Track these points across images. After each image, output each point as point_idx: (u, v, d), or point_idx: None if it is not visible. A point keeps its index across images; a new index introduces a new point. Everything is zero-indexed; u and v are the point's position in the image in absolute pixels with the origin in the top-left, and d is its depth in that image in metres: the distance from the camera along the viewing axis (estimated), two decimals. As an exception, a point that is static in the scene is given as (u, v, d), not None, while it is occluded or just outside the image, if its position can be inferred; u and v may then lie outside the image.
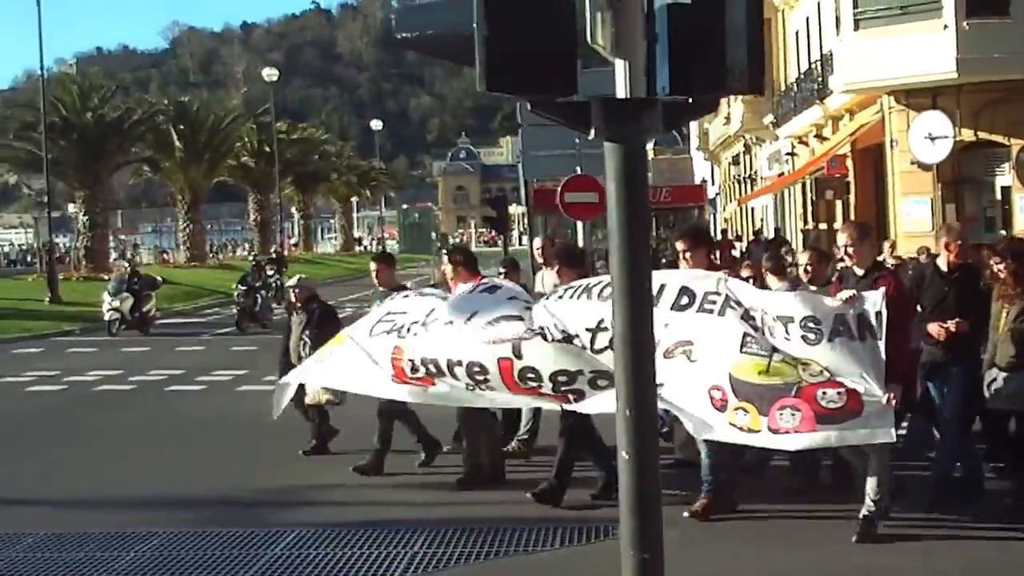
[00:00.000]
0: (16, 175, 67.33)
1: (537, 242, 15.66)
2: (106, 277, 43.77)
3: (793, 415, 9.49)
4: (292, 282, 15.89)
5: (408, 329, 11.29)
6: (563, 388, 10.53)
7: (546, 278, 13.96)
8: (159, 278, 38.85)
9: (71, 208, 76.51)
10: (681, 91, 5.01)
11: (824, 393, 9.41)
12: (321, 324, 14.33)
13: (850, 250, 10.33)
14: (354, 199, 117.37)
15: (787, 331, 9.64)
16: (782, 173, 46.23)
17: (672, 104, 5.21)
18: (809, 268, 11.32)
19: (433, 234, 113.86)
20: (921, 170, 29.25)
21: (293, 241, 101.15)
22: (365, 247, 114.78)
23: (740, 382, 9.67)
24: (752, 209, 58.44)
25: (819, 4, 38.81)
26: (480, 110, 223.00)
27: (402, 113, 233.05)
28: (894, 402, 9.35)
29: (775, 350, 9.61)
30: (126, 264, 43.46)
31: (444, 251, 16.02)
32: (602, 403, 10.20)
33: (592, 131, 5.13)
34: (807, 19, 41.75)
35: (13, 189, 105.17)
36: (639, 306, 5.46)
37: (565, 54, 5.01)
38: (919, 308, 10.98)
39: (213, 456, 14.73)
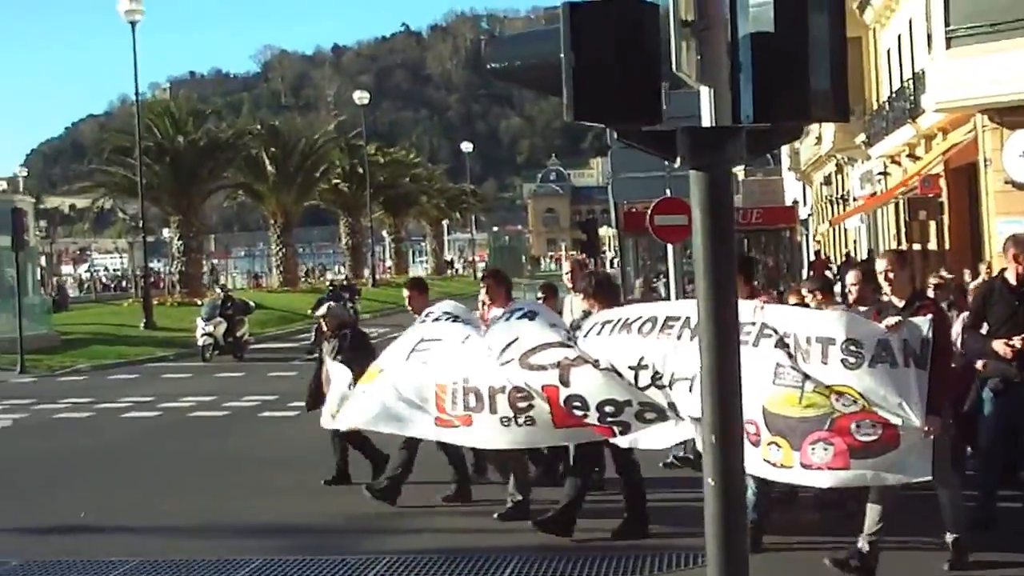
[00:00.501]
0: (112, 200, 68.10)
1: (566, 267, 15.51)
2: (200, 302, 44.25)
3: (826, 449, 9.22)
4: (322, 311, 15.84)
5: (444, 355, 11.28)
6: (609, 419, 10.34)
7: (575, 304, 13.75)
8: (252, 303, 39.24)
9: (165, 233, 77.45)
10: (765, 119, 4.99)
11: (858, 425, 9.12)
12: (353, 349, 14.35)
13: (891, 275, 9.91)
14: (445, 222, 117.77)
15: (826, 354, 9.34)
16: (874, 193, 45.81)
17: (756, 132, 5.20)
18: (854, 289, 10.95)
19: (523, 257, 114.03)
20: (1016, 189, 28.85)
21: (388, 264, 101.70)
22: (457, 270, 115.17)
23: (773, 415, 9.44)
24: (845, 230, 57.96)
25: (911, 22, 38.43)
26: (570, 131, 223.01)
27: (492, 134, 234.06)
28: (933, 435, 9.07)
29: (807, 378, 9.33)
30: (219, 289, 43.93)
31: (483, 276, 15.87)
32: (648, 438, 10.30)
33: (677, 159, 5.15)
34: (898, 37, 41.37)
35: (108, 214, 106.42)
36: (724, 333, 5.48)
37: (650, 83, 5.04)
38: (986, 325, 10.77)
39: (306, 482, 14.78)
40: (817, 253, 55.34)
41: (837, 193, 57.88)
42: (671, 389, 9.92)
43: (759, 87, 4.86)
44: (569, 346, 10.51)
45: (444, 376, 11.19)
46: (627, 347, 10.19)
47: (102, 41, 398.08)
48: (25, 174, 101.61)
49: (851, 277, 11.28)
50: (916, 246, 38.06)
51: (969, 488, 10.80)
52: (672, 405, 10.00)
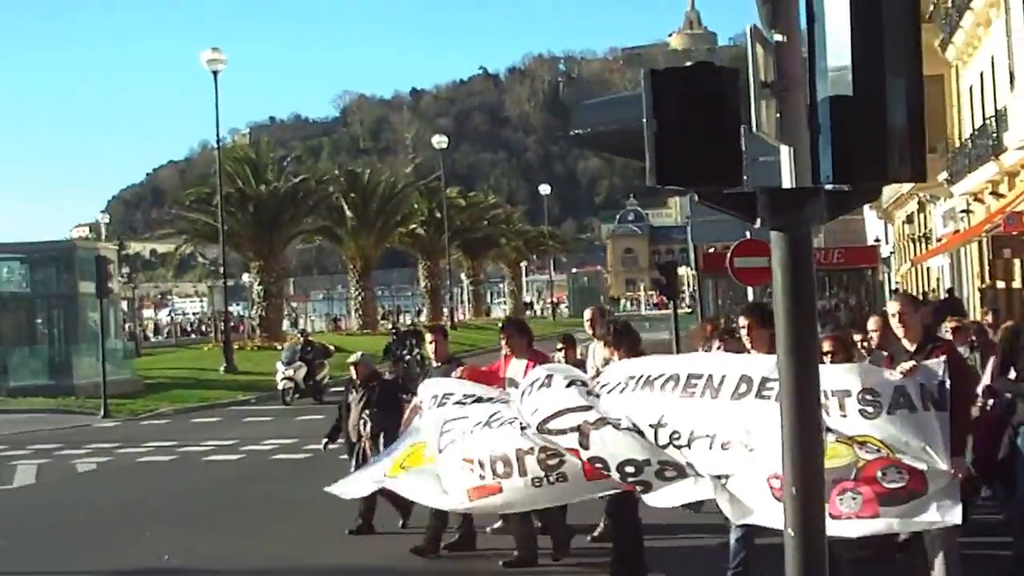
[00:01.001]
0: (192, 245, 69.02)
1: (587, 314, 15.22)
2: (279, 347, 44.68)
3: (854, 499, 9.07)
4: (354, 358, 15.84)
5: (471, 432, 11.29)
6: (630, 479, 10.23)
7: (596, 351, 13.77)
8: (331, 346, 39.52)
9: (245, 277, 78.33)
10: (844, 180, 5.00)
11: (884, 472, 8.99)
12: (382, 403, 14.60)
13: (904, 318, 9.82)
14: (523, 263, 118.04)
15: (843, 407, 9.19)
16: (957, 231, 45.36)
17: (835, 193, 5.25)
18: (875, 335, 10.82)
19: (602, 297, 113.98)
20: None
21: (483, 306, 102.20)
22: (536, 311, 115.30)
23: None
24: (928, 269, 57.39)
25: (993, 60, 38.14)
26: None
27: (570, 176, 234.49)
28: (960, 477, 8.97)
29: (828, 430, 8.91)
30: (299, 334, 44.31)
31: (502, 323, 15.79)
32: (670, 495, 10.11)
33: (758, 220, 5.19)
34: (980, 75, 41.05)
35: (188, 258, 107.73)
36: (805, 390, 5.53)
37: (731, 147, 5.10)
38: (1014, 370, 10.65)
39: (387, 525, 14.86)
40: (896, 292, 54.96)
41: (919, 231, 57.37)
42: (689, 448, 9.79)
43: (838, 149, 4.86)
44: (587, 408, 10.42)
45: (470, 450, 11.22)
46: (648, 405, 10.11)
47: (182, 88, 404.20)
48: (107, 220, 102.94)
49: (872, 323, 11.22)
50: (1000, 284, 37.68)
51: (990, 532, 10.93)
52: (690, 464, 9.87)
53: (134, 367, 42.25)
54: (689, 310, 48.77)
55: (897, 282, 62.86)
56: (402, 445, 12.75)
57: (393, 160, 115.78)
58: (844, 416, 9.15)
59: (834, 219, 5.37)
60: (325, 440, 16.02)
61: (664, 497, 10.16)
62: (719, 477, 9.66)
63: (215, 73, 47.15)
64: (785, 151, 5.20)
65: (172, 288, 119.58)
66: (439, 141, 77.81)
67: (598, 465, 10.27)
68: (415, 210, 77.11)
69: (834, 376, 9.43)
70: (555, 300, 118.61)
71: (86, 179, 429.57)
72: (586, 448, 10.25)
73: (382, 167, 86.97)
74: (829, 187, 5.12)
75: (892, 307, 10.23)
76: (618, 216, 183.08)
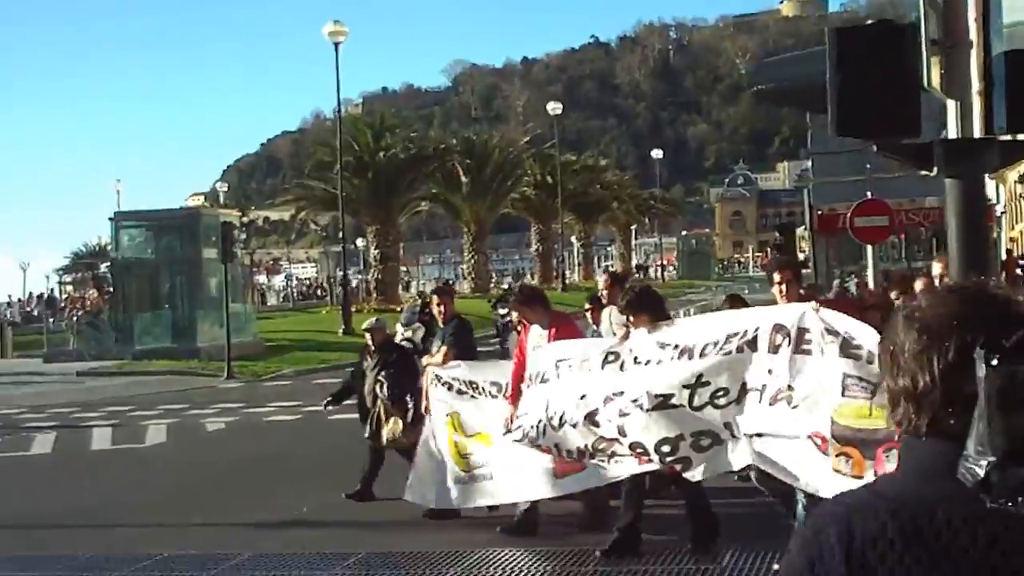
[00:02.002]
0: (309, 212, 69.90)
1: (601, 281, 14.96)
2: (397, 308, 45.07)
3: None
4: (368, 324, 15.70)
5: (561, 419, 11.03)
6: (669, 459, 10.08)
7: (613, 316, 13.28)
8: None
9: (359, 242, 79.05)
10: (1017, 129, 5.09)
11: None
12: (399, 366, 14.45)
13: (946, 280, 9.32)
14: (633, 227, 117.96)
15: None
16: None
17: (1008, 142, 5.32)
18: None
19: (711, 260, 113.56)
20: None
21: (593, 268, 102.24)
22: (646, 273, 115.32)
23: (842, 427, 8.93)
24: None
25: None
26: (756, 136, 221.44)
27: (679, 141, 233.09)
28: None
29: (876, 389, 8.47)
30: (417, 296, 44.65)
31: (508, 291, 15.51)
32: (712, 465, 9.96)
33: (935, 169, 5.30)
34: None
35: (300, 225, 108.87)
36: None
37: (909, 100, 5.19)
38: None
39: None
40: (1009, 252, 54.09)
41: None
42: (738, 405, 9.58)
43: (1012, 101, 4.95)
44: (620, 393, 10.30)
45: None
46: (685, 368, 9.96)
47: (297, 59, 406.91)
48: (225, 189, 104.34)
49: (919, 284, 10.88)
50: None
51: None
52: (728, 425, 9.69)
53: (255, 330, 42.95)
54: (805, 270, 48.51)
55: (1011, 240, 61.99)
56: (441, 425, 12.92)
57: (504, 128, 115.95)
58: None
59: (1007, 167, 5.46)
60: (327, 400, 16.13)
61: (708, 468, 10.01)
62: (750, 436, 9.51)
63: (336, 45, 47.74)
64: (952, 105, 5.29)
65: (286, 254, 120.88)
66: (553, 108, 77.87)
67: (639, 450, 10.17)
68: (528, 175, 77.36)
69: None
70: (665, 262, 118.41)
71: (202, 150, 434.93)
72: (625, 436, 10.18)
73: (494, 134, 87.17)
74: (1003, 137, 5.21)
75: (935, 268, 9.92)
76: (726, 180, 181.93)
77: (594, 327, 14.36)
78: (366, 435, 14.58)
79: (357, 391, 15.28)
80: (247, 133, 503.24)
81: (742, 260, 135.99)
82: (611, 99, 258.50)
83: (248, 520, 13.86)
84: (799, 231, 51.63)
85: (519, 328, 13.23)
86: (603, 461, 10.76)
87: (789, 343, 9.33)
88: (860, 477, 8.81)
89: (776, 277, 10.81)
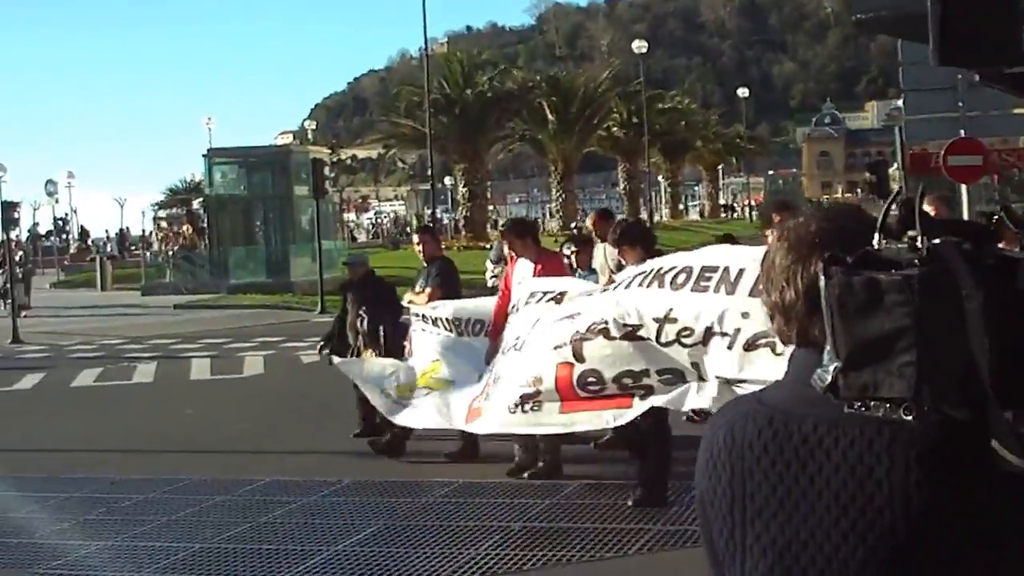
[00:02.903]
0: (397, 150, 70.29)
1: (589, 219, 14.57)
2: (486, 246, 45.28)
3: None
4: (348, 259, 15.61)
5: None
6: (631, 387, 9.52)
7: (607, 253, 13.06)
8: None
9: (447, 181, 79.31)
10: None
11: None
12: (379, 300, 14.29)
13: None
14: (720, 166, 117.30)
15: None
16: None
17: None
18: None
19: (799, 200, 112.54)
20: None
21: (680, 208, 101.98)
22: (734, 213, 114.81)
23: None
24: None
25: None
26: (844, 75, 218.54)
27: (765, 79, 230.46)
28: None
29: None
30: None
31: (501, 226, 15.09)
32: (675, 400, 9.41)
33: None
34: None
35: (388, 163, 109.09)
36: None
37: (1012, 28, 5.25)
38: None
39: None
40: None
41: None
42: (704, 347, 9.01)
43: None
44: (576, 314, 9.93)
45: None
46: (656, 298, 9.41)
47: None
48: (314, 127, 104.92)
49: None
50: None
51: None
52: (696, 365, 9.14)
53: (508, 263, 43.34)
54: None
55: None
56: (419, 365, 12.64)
57: (589, 67, 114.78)
58: None
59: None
60: (320, 344, 16.06)
61: (667, 399, 9.46)
62: (731, 381, 8.85)
63: (424, -18, 47.96)
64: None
65: (374, 192, 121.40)
66: (639, 45, 77.42)
67: (591, 379, 9.61)
68: (614, 113, 77.17)
69: None
70: (752, 202, 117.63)
71: (290, 88, 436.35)
72: (581, 361, 9.65)
73: (579, 73, 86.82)
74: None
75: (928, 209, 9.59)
76: (814, 119, 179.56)
77: (580, 271, 13.68)
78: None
79: (343, 331, 15.09)
80: (334, 72, 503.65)
81: (831, 199, 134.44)
82: (696, 37, 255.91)
83: (347, 448, 14.12)
84: (890, 170, 51.12)
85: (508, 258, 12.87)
86: (511, 407, 10.27)
87: None
88: None
89: (776, 218, 10.37)
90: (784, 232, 2.36)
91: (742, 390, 8.48)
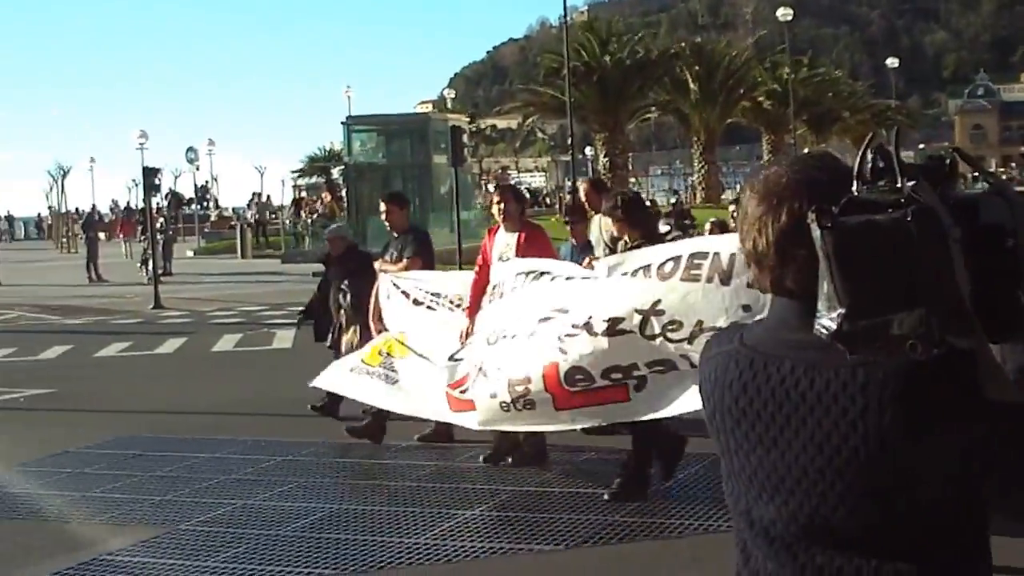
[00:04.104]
0: (537, 120, 70.25)
1: (581, 187, 13.75)
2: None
3: None
4: (329, 231, 15.15)
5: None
6: (622, 380, 9.03)
7: (603, 226, 12.42)
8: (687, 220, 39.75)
9: (587, 151, 79.01)
10: None
11: None
12: (360, 274, 13.56)
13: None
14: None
15: None
16: None
17: None
18: None
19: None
20: None
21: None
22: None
23: None
24: None
25: None
26: (999, 44, 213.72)
27: (916, 49, 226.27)
28: None
29: None
30: (648, 203, 44.58)
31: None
32: (665, 398, 8.85)
33: None
34: None
35: (527, 133, 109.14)
36: None
37: None
38: None
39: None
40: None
41: None
42: (690, 344, 8.56)
43: None
44: (564, 311, 9.44)
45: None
46: (640, 288, 8.98)
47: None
48: (453, 96, 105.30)
49: None
50: None
51: None
52: (685, 357, 8.65)
53: (484, 235, 43.41)
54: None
55: None
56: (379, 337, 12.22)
57: (732, 36, 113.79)
58: None
59: None
60: (299, 316, 15.86)
61: (660, 400, 8.91)
62: None
63: (564, -50, 47.52)
64: None
65: (514, 162, 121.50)
66: (784, 14, 76.24)
67: (579, 376, 9.18)
68: (759, 83, 76.20)
69: None
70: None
71: (429, 58, 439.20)
72: (565, 354, 9.22)
73: (721, 42, 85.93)
74: None
75: None
76: (966, 91, 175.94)
77: (573, 242, 13.11)
78: (327, 345, 14.28)
79: (324, 305, 14.74)
80: (473, 40, 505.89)
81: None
82: (843, 5, 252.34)
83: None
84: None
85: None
86: (503, 405, 9.75)
87: None
88: None
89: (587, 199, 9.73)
90: (755, 183, 2.47)
91: None
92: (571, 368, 9.20)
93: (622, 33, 64.48)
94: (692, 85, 66.60)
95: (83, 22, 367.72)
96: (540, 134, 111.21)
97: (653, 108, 69.89)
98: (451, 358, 10.96)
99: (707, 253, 8.76)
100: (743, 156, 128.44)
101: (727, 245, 8.67)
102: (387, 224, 13.30)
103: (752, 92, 74.98)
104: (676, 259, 8.89)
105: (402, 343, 11.75)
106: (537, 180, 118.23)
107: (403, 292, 12.32)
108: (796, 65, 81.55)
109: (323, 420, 14.14)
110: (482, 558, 9.05)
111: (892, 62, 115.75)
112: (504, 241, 11.49)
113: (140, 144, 44.33)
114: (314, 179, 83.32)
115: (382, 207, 13.45)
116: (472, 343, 10.73)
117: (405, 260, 12.73)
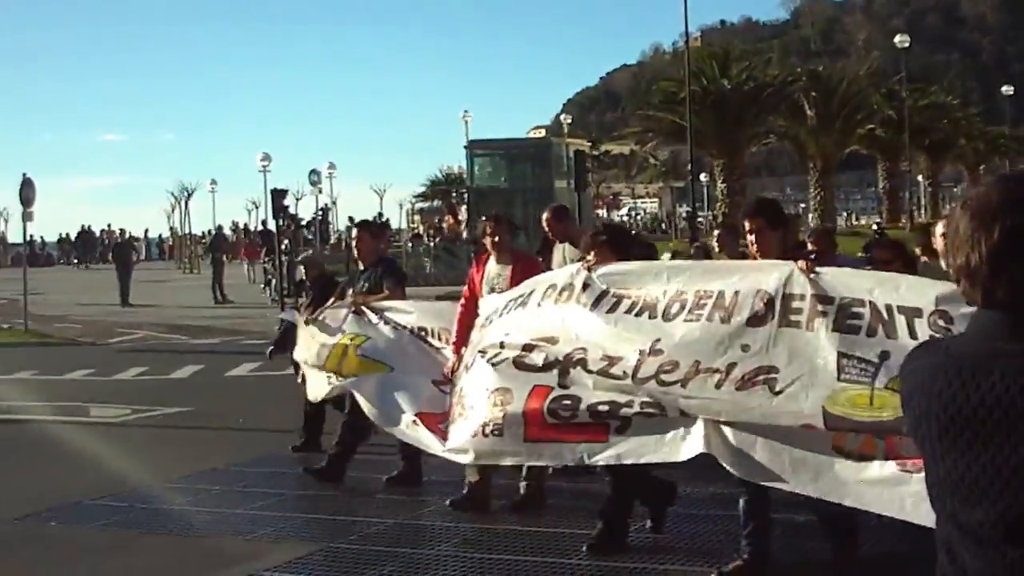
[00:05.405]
0: (654, 145, 70.25)
1: (544, 216, 12.99)
2: (745, 243, 44.90)
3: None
4: (303, 257, 15.00)
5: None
6: (604, 417, 8.47)
7: (567, 253, 11.87)
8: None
9: (702, 177, 78.71)
10: None
11: None
12: (324, 297, 13.18)
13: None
14: (981, 167, 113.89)
15: (913, 330, 7.27)
16: None
17: None
18: (942, 240, 8.44)
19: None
20: None
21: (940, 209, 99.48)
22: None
23: (836, 419, 7.38)
24: None
25: None
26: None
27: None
28: None
29: (877, 371, 7.26)
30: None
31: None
32: (652, 444, 8.31)
33: None
34: None
35: (641, 160, 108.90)
36: None
37: None
38: None
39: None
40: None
41: None
42: (683, 388, 8.05)
43: None
44: (557, 339, 8.98)
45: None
46: (643, 328, 8.50)
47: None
48: (569, 121, 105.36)
49: (941, 226, 8.86)
50: None
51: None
52: (675, 406, 8.15)
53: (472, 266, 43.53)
54: None
55: None
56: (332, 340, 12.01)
57: (844, 62, 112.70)
58: (915, 342, 6.59)
59: None
60: (270, 349, 15.41)
61: (637, 446, 8.37)
62: (727, 424, 7.87)
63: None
64: None
65: (626, 188, 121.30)
66: (900, 40, 75.87)
67: (566, 402, 8.67)
68: (875, 110, 75.53)
69: (904, 288, 7.65)
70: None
71: (542, 83, 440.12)
72: (565, 388, 8.73)
73: (834, 69, 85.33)
74: None
75: (943, 226, 8.12)
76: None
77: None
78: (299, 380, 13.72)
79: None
80: (586, 66, 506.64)
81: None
82: (955, 32, 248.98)
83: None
84: None
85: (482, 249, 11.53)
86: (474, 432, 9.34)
87: (773, 315, 7.91)
88: (871, 457, 7.35)
89: (748, 225, 8.88)
90: (966, 201, 2.62)
91: (734, 432, 7.85)
92: (561, 395, 8.74)
93: (739, 59, 64.24)
94: (809, 111, 66.16)
95: (198, 46, 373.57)
96: (652, 160, 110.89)
97: (771, 134, 69.51)
98: (435, 383, 10.81)
99: (712, 293, 8.30)
100: (853, 183, 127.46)
101: (730, 283, 8.27)
102: (356, 252, 12.76)
103: (869, 119, 74.25)
104: (681, 304, 8.43)
105: (356, 358, 11.65)
106: (649, 206, 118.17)
107: (383, 319, 11.92)
108: (915, 92, 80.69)
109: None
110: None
111: (1007, 89, 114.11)
112: (495, 272, 11.01)
113: (263, 167, 44.99)
114: (435, 203, 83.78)
115: (353, 234, 12.96)
116: (460, 376, 10.14)
117: (386, 291, 12.28)
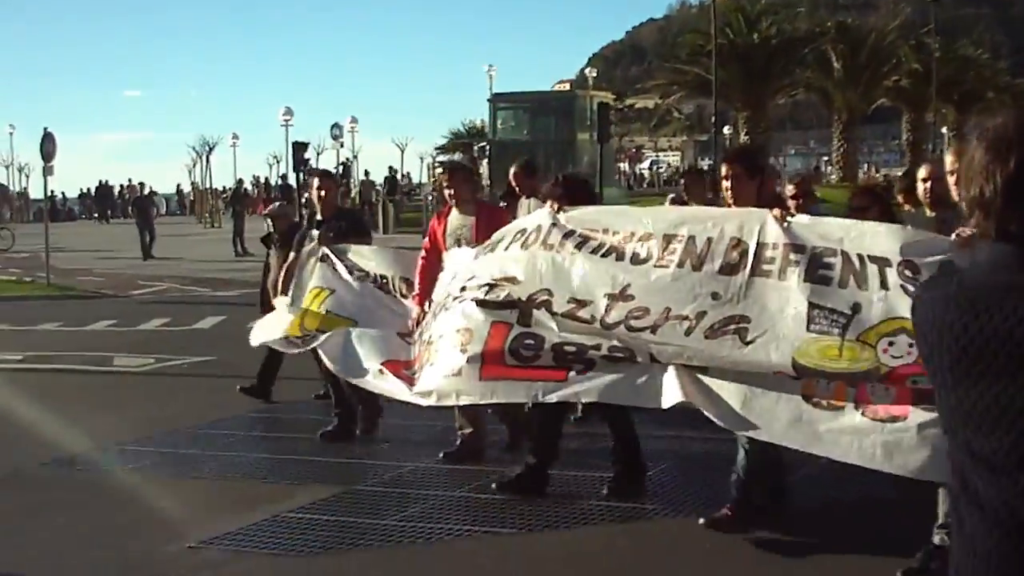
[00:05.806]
0: (677, 99, 69.95)
1: (512, 169, 12.82)
2: (770, 195, 44.76)
3: (887, 391, 7.10)
4: (271, 209, 14.72)
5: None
6: (569, 358, 8.44)
7: (532, 206, 11.42)
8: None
9: (725, 130, 78.45)
10: None
11: (915, 381, 6.84)
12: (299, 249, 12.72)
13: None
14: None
15: (885, 280, 7.29)
16: None
17: None
18: (926, 186, 8.29)
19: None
20: None
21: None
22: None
23: (804, 369, 7.42)
24: None
25: None
26: None
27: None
28: None
29: (848, 323, 7.28)
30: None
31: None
32: (621, 388, 8.26)
33: None
34: None
35: (664, 113, 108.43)
36: None
37: None
38: None
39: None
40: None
41: None
42: (653, 334, 8.01)
43: None
44: (517, 279, 8.95)
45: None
46: (611, 271, 8.45)
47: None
48: (594, 75, 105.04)
49: (923, 171, 8.55)
50: None
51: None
52: (647, 351, 8.14)
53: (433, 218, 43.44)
54: None
55: None
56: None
57: (873, 15, 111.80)
58: (886, 292, 7.29)
59: None
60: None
61: (605, 389, 8.34)
62: (693, 369, 7.88)
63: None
64: None
65: (649, 142, 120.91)
66: (938, -9, 75.37)
67: (528, 341, 8.62)
68: (903, 62, 75.03)
69: (873, 236, 7.59)
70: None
71: (568, 37, 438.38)
72: (526, 326, 8.68)
73: (864, 21, 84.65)
74: None
75: (948, 161, 7.63)
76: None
77: None
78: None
79: (263, 286, 14.30)
80: (613, 20, 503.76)
81: None
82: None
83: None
84: None
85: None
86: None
87: (746, 264, 7.89)
88: (839, 407, 7.34)
89: (725, 170, 8.71)
90: (983, 132, 2.62)
91: (708, 379, 7.83)
92: (523, 333, 8.72)
93: (766, 11, 63.89)
94: (836, 64, 65.86)
95: (221, 2, 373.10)
96: (676, 114, 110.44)
97: (798, 87, 69.19)
98: (400, 335, 10.65)
99: (682, 238, 8.24)
100: (878, 136, 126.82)
101: (699, 227, 8.23)
102: (318, 202, 12.50)
103: (896, 71, 73.76)
104: (647, 238, 8.43)
105: (320, 313, 11.53)
106: (672, 159, 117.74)
107: (345, 265, 11.84)
108: (943, 45, 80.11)
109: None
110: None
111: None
112: (459, 223, 10.89)
113: (285, 121, 44.99)
114: (456, 156, 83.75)
115: (315, 183, 12.61)
116: (427, 326, 10.06)
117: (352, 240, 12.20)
